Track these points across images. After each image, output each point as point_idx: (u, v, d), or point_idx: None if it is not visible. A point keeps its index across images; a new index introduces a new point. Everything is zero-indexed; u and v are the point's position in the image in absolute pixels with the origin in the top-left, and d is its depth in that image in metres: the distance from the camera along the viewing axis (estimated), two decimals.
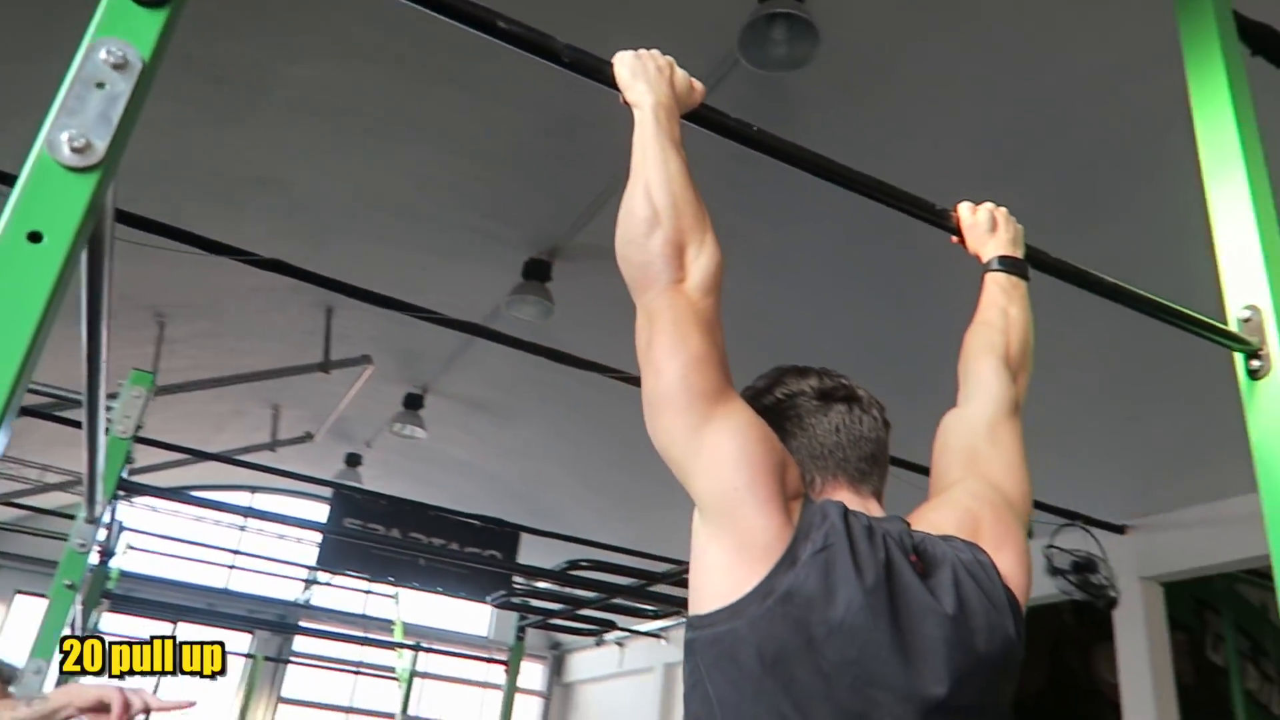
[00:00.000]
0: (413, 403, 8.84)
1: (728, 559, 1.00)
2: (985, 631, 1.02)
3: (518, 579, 5.02)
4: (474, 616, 13.30)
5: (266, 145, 5.39)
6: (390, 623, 8.92)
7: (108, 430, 2.49)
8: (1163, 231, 4.37)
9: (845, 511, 1.05)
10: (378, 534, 6.67)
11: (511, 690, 3.46)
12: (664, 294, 1.10)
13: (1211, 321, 1.34)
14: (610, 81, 1.22)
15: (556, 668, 14.11)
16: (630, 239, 1.13)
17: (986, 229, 1.43)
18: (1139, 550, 6.92)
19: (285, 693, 11.83)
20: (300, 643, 11.95)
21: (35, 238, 0.65)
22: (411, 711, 12.36)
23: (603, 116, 5.12)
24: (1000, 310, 1.39)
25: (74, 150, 0.66)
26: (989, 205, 1.45)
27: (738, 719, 0.96)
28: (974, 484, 1.23)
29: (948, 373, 1.42)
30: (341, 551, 6.50)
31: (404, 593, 8.14)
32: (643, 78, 1.20)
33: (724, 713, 0.97)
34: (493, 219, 6.08)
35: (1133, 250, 4.54)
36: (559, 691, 14.10)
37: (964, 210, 1.46)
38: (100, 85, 0.68)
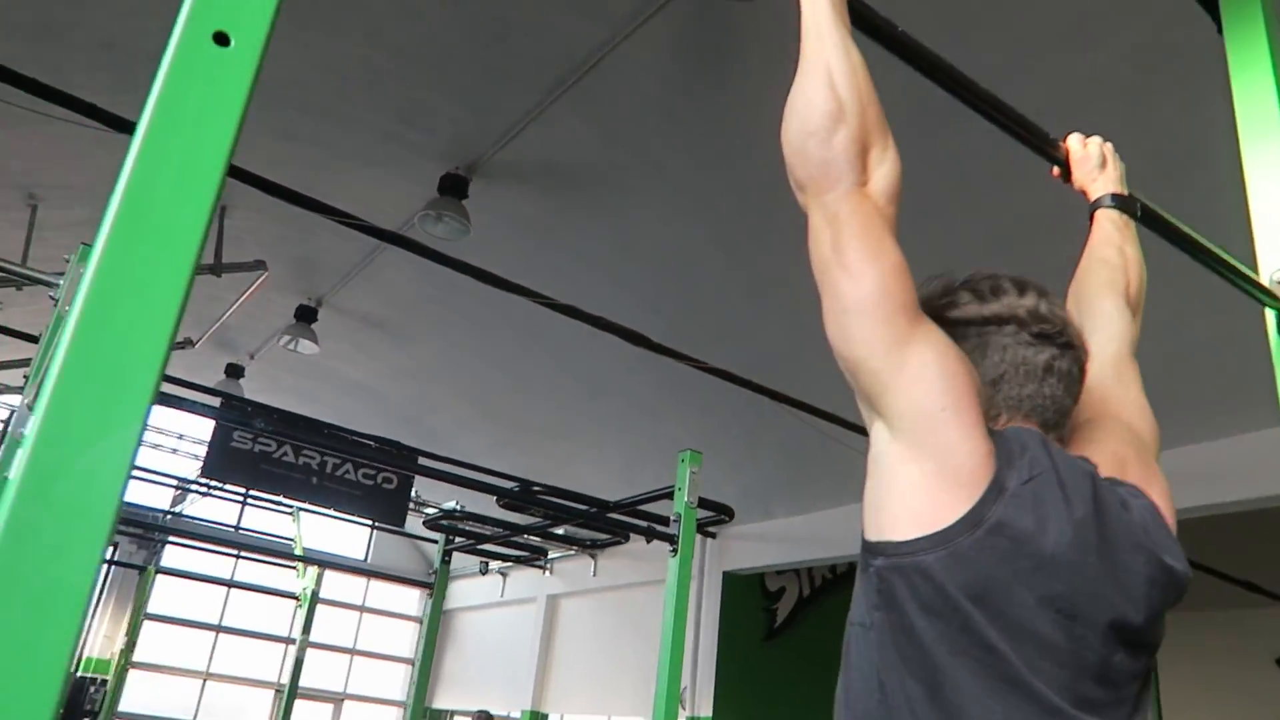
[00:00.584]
0: (305, 315, 8.45)
1: (928, 483, 0.94)
2: (1168, 570, 1.01)
3: (429, 506, 4.86)
4: (353, 541, 13.02)
5: (169, 20, 4.92)
6: (277, 540, 8.61)
7: None
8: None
9: (1043, 439, 1.00)
10: (270, 451, 6.37)
11: (436, 615, 3.34)
12: (849, 196, 1.02)
13: (1253, 277, 1.31)
14: None
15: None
16: (810, 131, 1.03)
17: (1097, 164, 1.37)
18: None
19: (152, 608, 11.31)
20: (172, 557, 11.44)
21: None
22: (291, 632, 12.05)
23: (539, 25, 4.89)
24: (1117, 248, 1.33)
25: None
26: (1099, 139, 1.37)
27: (943, 649, 0.91)
28: (1111, 424, 1.18)
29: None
30: (228, 464, 6.17)
31: (294, 513, 7.84)
32: None
33: (926, 641, 0.92)
34: (410, 125, 5.75)
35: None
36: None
37: (1074, 142, 1.39)
38: None
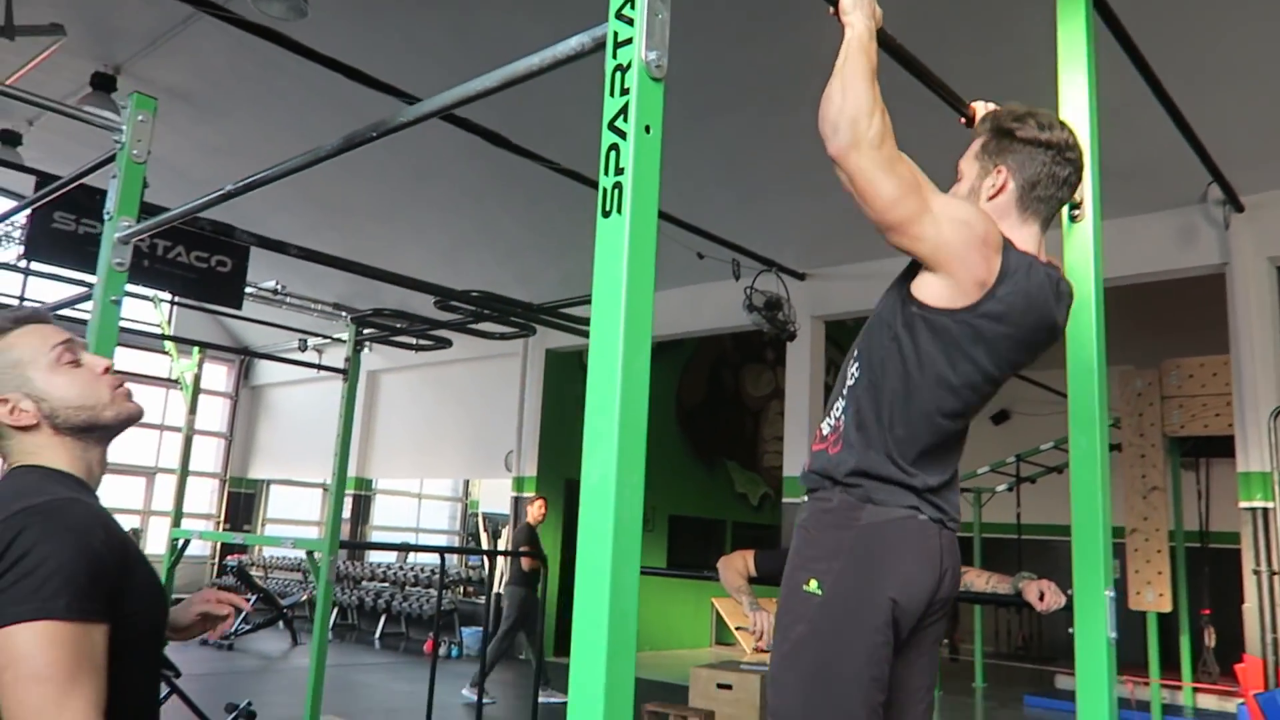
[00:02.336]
0: (103, 83, 7.85)
1: (943, 284, 1.62)
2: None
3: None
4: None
5: None
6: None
7: None
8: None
9: (1029, 265, 1.64)
10: (96, 233, 6.20)
11: (351, 400, 3.73)
12: (877, 148, 1.55)
13: None
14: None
15: (245, 370, 13.99)
16: (862, 114, 1.52)
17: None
18: (812, 294, 8.32)
19: None
20: None
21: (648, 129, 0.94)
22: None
23: None
24: None
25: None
26: (991, 104, 1.93)
27: (940, 361, 1.62)
28: None
29: None
30: (51, 246, 5.95)
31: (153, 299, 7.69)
32: (860, 8, 1.56)
33: (927, 358, 1.63)
34: None
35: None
36: (246, 393, 14.07)
37: (978, 106, 1.94)
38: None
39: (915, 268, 1.66)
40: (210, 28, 6.90)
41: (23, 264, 6.91)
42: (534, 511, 7.52)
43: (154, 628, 1.25)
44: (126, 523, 12.92)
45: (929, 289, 1.62)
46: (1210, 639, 8.60)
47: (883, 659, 1.61)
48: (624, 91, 0.94)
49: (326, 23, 6.55)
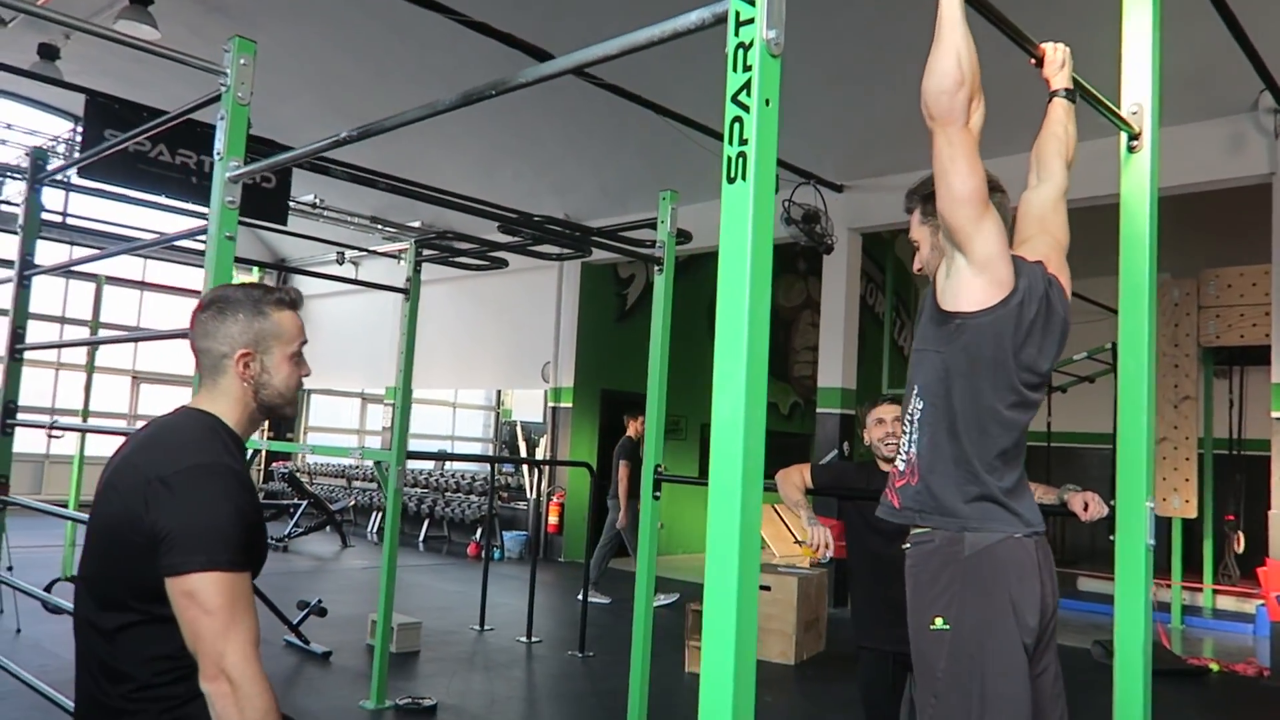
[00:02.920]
0: None
1: (983, 284, 1.83)
2: (1067, 326, 1.94)
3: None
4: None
5: None
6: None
7: None
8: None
9: (1029, 266, 1.89)
10: (146, 151, 6.32)
11: (413, 318, 3.86)
12: (962, 130, 1.71)
13: (1111, 107, 2.03)
14: None
15: (282, 283, 14.20)
16: (944, 89, 1.67)
17: (1059, 65, 2.00)
18: (850, 206, 8.32)
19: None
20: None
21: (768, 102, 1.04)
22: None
23: None
24: (1064, 126, 2.04)
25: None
26: (1064, 47, 1.99)
27: (989, 366, 1.83)
28: (1047, 237, 2.00)
29: None
30: (105, 164, 6.07)
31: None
32: None
33: (979, 359, 1.84)
34: None
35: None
36: None
37: (1048, 47, 2.00)
38: None
39: (933, 297, 1.89)
40: None
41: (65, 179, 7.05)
42: (635, 426, 7.80)
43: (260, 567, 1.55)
44: None
45: (968, 295, 1.82)
46: (1239, 544, 8.76)
47: (1022, 675, 1.76)
48: (747, 68, 1.04)
49: None
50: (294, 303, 1.61)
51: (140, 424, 1.78)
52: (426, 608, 6.68)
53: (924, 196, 1.98)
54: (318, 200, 10.45)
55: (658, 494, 3.01)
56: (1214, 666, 6.35)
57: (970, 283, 1.81)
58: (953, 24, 1.64)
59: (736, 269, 1.04)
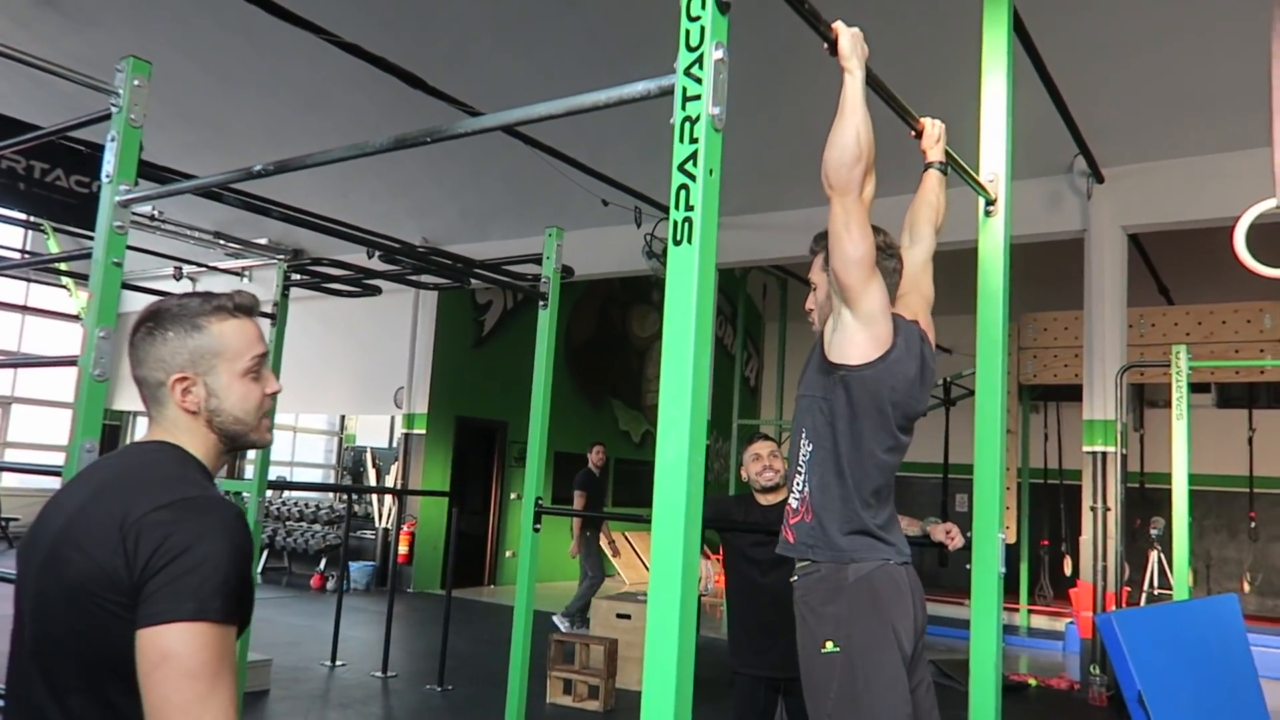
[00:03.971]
0: None
1: (866, 339, 2.01)
2: (932, 370, 2.20)
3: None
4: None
5: None
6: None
7: None
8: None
9: (907, 324, 2.10)
10: (15, 164, 5.88)
11: (280, 342, 3.73)
12: (856, 201, 1.85)
13: (973, 174, 2.26)
14: (828, 39, 1.76)
15: None
16: (844, 162, 1.81)
17: (934, 139, 2.20)
18: None
19: None
20: None
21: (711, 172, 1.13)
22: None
23: None
24: (936, 195, 2.27)
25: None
26: (939, 123, 2.19)
27: (870, 414, 2.02)
28: (918, 295, 2.21)
29: None
30: None
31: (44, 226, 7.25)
32: (856, 55, 1.77)
33: (861, 407, 2.02)
34: None
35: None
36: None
37: (926, 122, 2.22)
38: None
39: (820, 348, 2.07)
40: None
41: None
42: (594, 457, 8.10)
43: (248, 623, 1.29)
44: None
45: (853, 348, 2.01)
46: (1067, 566, 9.45)
47: (905, 683, 1.95)
48: (693, 140, 1.14)
49: None
50: (241, 308, 1.33)
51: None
52: (274, 643, 6.38)
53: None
54: (156, 212, 9.87)
55: (538, 526, 3.04)
56: (1032, 681, 6.89)
57: (855, 337, 2.00)
58: (854, 106, 1.81)
59: (682, 326, 1.12)
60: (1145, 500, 9.87)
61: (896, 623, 1.96)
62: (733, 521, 2.99)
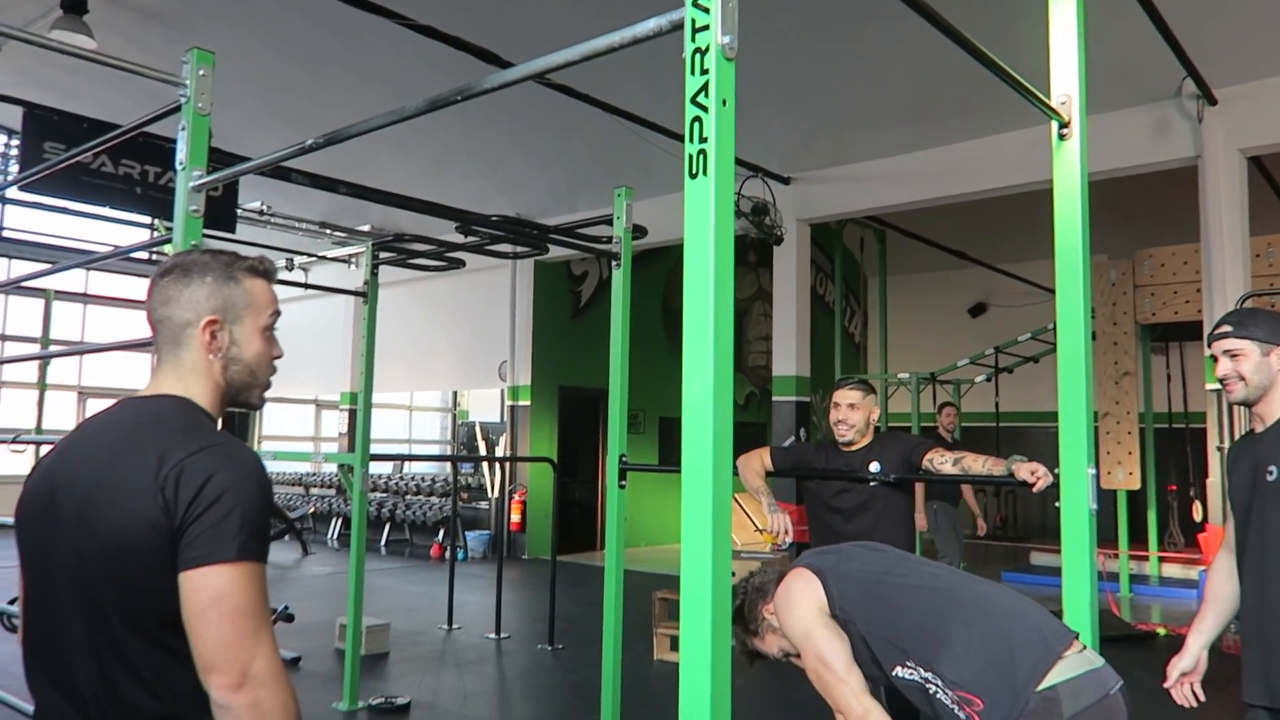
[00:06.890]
0: (74, 5, 7.71)
1: None
2: None
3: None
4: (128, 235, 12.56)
5: None
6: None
7: None
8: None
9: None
10: (88, 162, 6.23)
11: (372, 321, 3.88)
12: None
13: (1042, 98, 2.14)
14: None
15: None
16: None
17: None
18: (797, 198, 8.46)
19: None
20: None
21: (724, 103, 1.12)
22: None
23: None
24: None
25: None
26: None
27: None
28: None
29: None
30: (46, 178, 5.97)
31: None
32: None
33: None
34: None
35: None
36: None
37: None
38: None
39: None
40: None
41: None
42: (944, 420, 7.45)
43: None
44: None
45: None
46: (1196, 512, 9.01)
47: None
48: (704, 71, 1.12)
49: None
50: (268, 272, 1.42)
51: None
52: (393, 610, 6.68)
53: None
54: (265, 207, 10.34)
55: (623, 483, 3.08)
56: (1161, 631, 6.61)
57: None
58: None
59: (701, 259, 1.11)
60: None
61: None
62: (813, 469, 2.95)
